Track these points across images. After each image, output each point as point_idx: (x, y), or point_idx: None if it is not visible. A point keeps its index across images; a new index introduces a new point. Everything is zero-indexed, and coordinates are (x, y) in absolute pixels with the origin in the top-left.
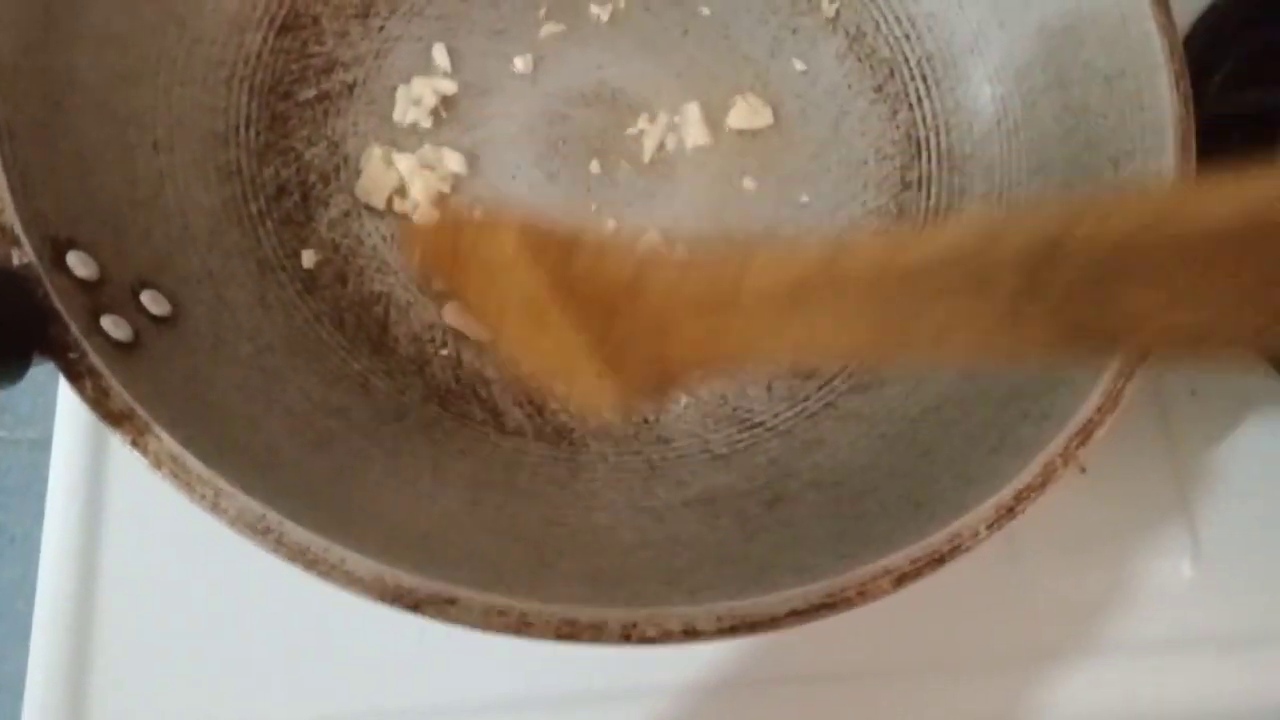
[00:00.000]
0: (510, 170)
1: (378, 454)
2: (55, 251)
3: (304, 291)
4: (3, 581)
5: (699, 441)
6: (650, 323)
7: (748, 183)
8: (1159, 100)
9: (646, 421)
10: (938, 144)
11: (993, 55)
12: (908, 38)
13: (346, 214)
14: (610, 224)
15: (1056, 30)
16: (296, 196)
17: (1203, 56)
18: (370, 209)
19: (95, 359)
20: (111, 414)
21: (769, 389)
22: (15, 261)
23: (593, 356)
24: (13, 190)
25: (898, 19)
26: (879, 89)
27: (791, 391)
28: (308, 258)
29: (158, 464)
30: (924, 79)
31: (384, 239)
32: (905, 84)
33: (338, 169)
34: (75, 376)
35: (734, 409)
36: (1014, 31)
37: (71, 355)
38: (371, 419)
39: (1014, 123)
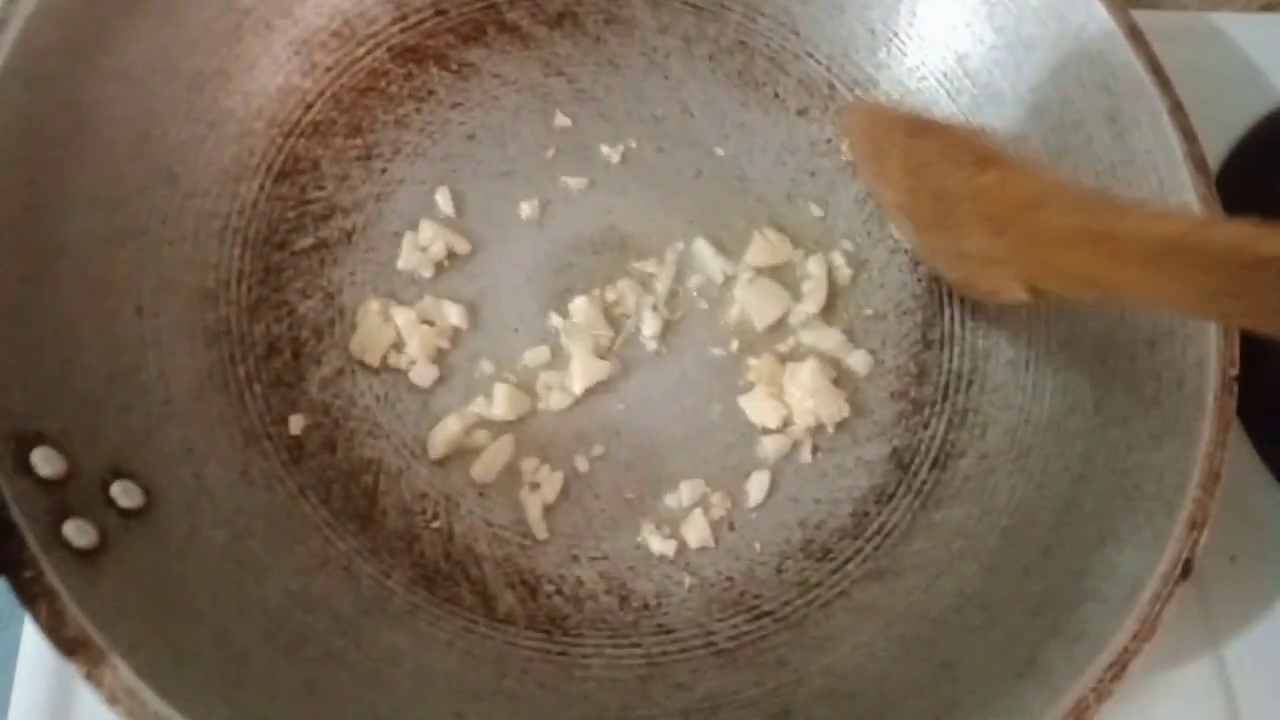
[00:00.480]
0: (513, 323)
1: (356, 657)
2: (19, 450)
3: (290, 462)
4: None
5: (702, 632)
6: (1037, 235)
7: (765, 330)
8: None
9: (647, 607)
10: (962, 300)
11: None
12: None
13: (339, 372)
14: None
15: (1090, 188)
16: (288, 355)
17: (1233, 198)
18: (364, 366)
19: (53, 577)
20: (66, 641)
21: (779, 571)
22: None
23: (981, 264)
24: None
25: None
26: (900, 238)
27: (803, 576)
28: (295, 423)
29: (113, 699)
30: None
31: (377, 399)
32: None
33: (332, 322)
34: (29, 599)
35: (741, 593)
36: None
37: (27, 574)
38: (353, 609)
39: None
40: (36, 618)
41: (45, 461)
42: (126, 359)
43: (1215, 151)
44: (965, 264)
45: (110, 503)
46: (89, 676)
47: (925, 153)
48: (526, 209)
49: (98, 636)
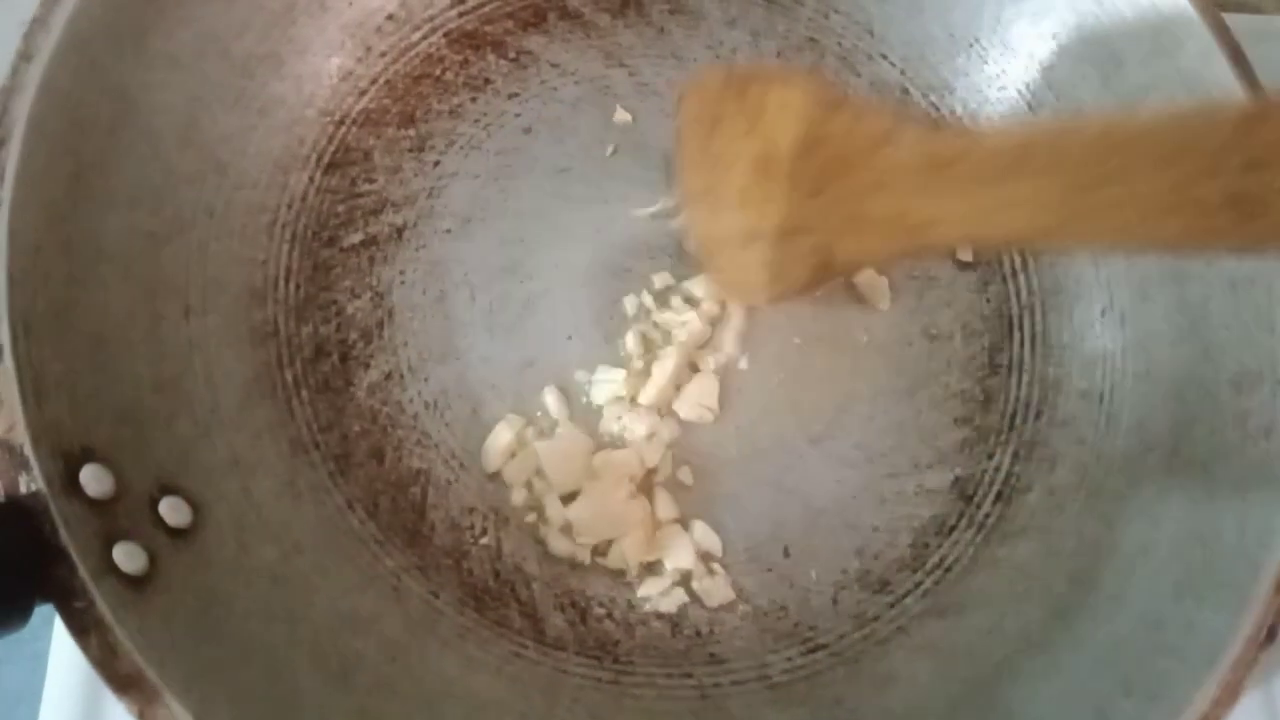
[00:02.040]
0: (566, 329)
1: (407, 685)
2: (68, 469)
3: (337, 473)
4: None
5: (756, 664)
6: (874, 178)
7: (819, 353)
8: None
9: (699, 635)
10: (1032, 325)
11: None
12: None
13: (387, 377)
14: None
15: None
16: (335, 358)
17: None
18: (411, 370)
19: (104, 607)
20: (119, 678)
21: (834, 601)
22: (23, 489)
23: (777, 237)
24: (24, 400)
25: None
26: (971, 255)
27: (860, 608)
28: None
29: None
30: (1021, 253)
31: (426, 405)
32: (999, 253)
33: (381, 324)
34: (80, 630)
35: (795, 624)
36: None
37: (77, 604)
38: (402, 631)
39: (1120, 314)
40: (87, 651)
41: (94, 480)
42: (173, 364)
43: None
44: (755, 246)
45: (159, 522)
46: (141, 716)
47: (770, 103)
48: (582, 208)
49: (151, 673)
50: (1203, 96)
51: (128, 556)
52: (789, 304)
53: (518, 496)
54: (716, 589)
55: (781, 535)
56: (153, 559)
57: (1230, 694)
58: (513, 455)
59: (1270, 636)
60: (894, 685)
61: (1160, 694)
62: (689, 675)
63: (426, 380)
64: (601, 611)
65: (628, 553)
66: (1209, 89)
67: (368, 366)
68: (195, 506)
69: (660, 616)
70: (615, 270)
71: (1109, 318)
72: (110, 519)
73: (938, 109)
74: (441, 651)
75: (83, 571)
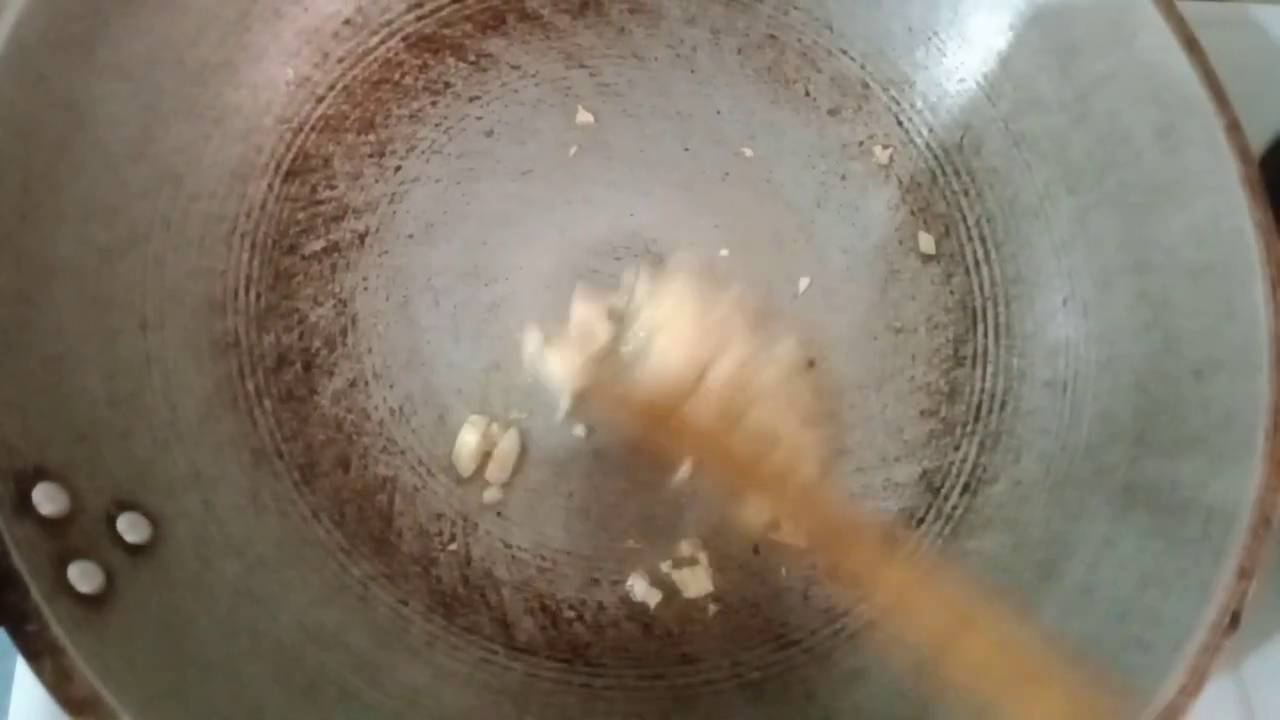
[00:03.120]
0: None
1: (373, 696)
2: (19, 490)
3: (301, 483)
4: None
5: (728, 663)
6: None
7: (781, 349)
8: (1252, 309)
9: (670, 635)
10: (995, 316)
11: (1060, 223)
12: (966, 193)
13: (352, 384)
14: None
15: (1136, 207)
16: (298, 367)
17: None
18: (376, 377)
19: (57, 630)
20: (74, 702)
21: (805, 597)
22: None
23: None
24: None
25: (956, 172)
26: (934, 247)
27: (830, 603)
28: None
29: None
30: (982, 241)
31: (391, 412)
32: (962, 244)
33: (344, 331)
34: (33, 655)
35: (766, 621)
36: (1086, 199)
37: (30, 627)
38: (369, 641)
39: (1083, 304)
40: (40, 675)
41: (47, 499)
42: (129, 380)
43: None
44: None
45: (116, 539)
46: None
47: None
48: (545, 210)
49: (108, 695)
50: (1158, 84)
51: (83, 576)
52: None
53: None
54: (696, 580)
55: (750, 533)
56: (110, 577)
57: (1197, 681)
58: (486, 455)
59: (1234, 622)
60: (864, 680)
61: (1129, 686)
62: (661, 676)
63: (392, 387)
64: (572, 614)
65: None
66: (1165, 78)
67: (332, 374)
68: (155, 522)
69: (632, 618)
70: (581, 272)
71: (1071, 307)
72: (64, 538)
73: (898, 103)
74: (410, 660)
75: (35, 594)
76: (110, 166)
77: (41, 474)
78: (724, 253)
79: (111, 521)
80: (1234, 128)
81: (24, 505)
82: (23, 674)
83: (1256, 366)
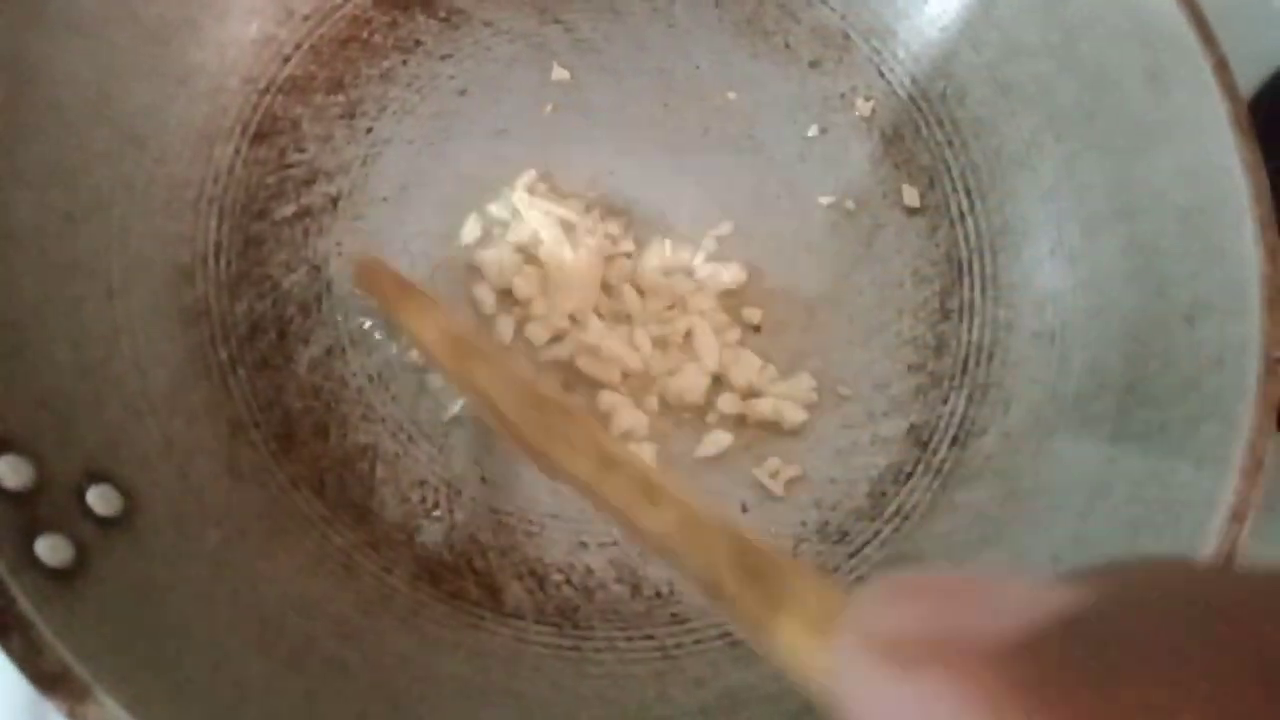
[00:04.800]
0: None
1: (358, 663)
2: None
3: (279, 452)
4: None
5: (718, 622)
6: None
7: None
8: (1241, 251)
9: (659, 595)
10: (982, 268)
11: (1047, 171)
12: (950, 143)
13: (329, 351)
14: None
15: (1123, 152)
16: (273, 334)
17: (1265, 133)
18: (353, 344)
19: (25, 605)
20: (44, 676)
21: (794, 554)
22: None
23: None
24: None
25: (940, 122)
26: (918, 200)
27: (820, 560)
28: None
29: None
30: (967, 192)
31: (370, 379)
32: (946, 196)
33: (319, 297)
34: (0, 630)
35: None
36: (1073, 146)
37: None
38: (354, 610)
39: (1070, 252)
40: (8, 650)
41: (12, 471)
42: (98, 348)
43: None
44: None
45: (87, 512)
46: (71, 714)
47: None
48: (523, 170)
49: (80, 669)
50: (1144, 25)
51: (52, 550)
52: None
53: None
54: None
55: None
56: (81, 550)
57: None
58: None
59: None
60: None
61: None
62: (650, 637)
63: (369, 353)
64: (560, 578)
65: None
66: (1151, 18)
67: (307, 342)
68: (127, 494)
69: (620, 580)
70: None
71: (1058, 256)
72: (31, 511)
73: (880, 53)
74: (397, 628)
75: (0, 568)
76: (69, 129)
77: (6, 446)
78: (706, 209)
79: (81, 494)
80: (1221, 66)
81: None
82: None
83: (1247, 307)
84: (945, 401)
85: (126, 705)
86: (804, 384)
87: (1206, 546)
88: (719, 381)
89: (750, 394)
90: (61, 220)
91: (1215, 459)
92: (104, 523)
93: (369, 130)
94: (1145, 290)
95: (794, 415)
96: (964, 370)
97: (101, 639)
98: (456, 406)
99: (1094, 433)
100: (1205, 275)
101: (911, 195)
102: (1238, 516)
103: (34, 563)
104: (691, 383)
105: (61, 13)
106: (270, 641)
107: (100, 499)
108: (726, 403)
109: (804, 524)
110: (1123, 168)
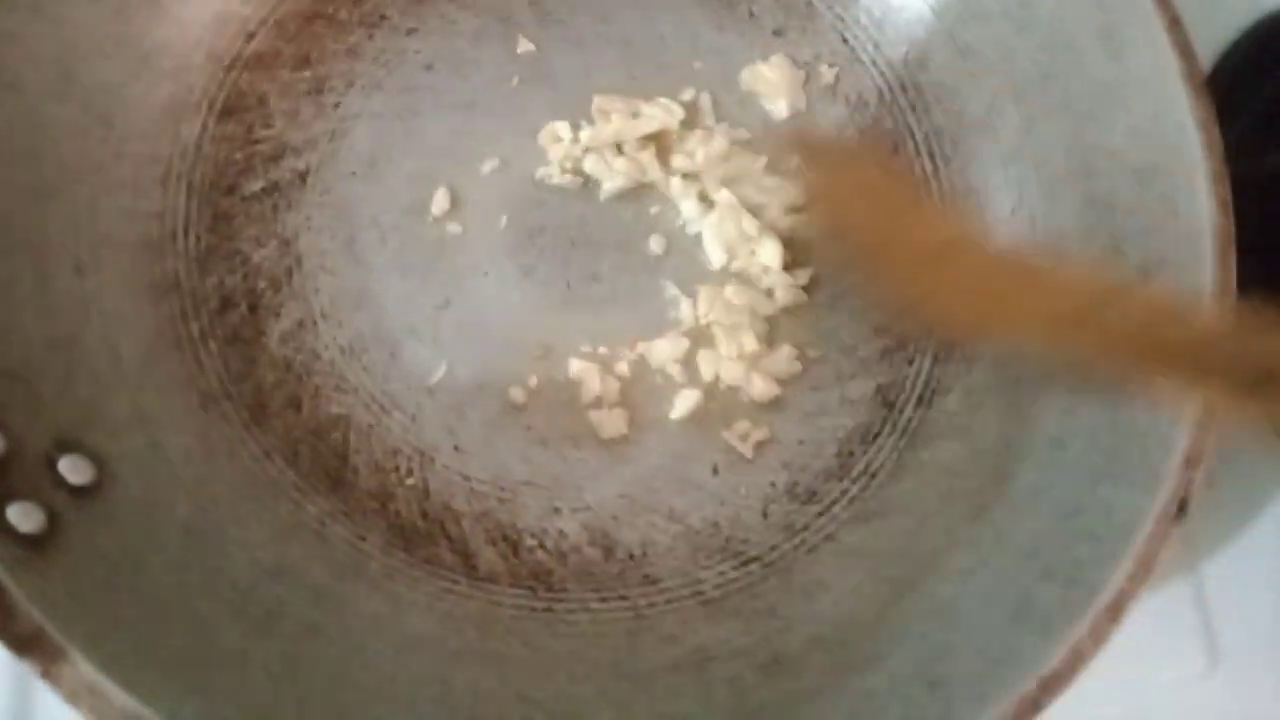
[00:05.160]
0: (482, 266)
1: (334, 628)
2: None
3: (252, 423)
4: None
5: (689, 581)
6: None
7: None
8: (1195, 205)
9: (632, 558)
10: None
11: (1007, 134)
12: (914, 108)
13: (300, 325)
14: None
15: (1081, 113)
16: (244, 308)
17: (1222, 104)
18: (324, 317)
19: None
20: (18, 639)
21: (764, 514)
22: None
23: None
24: None
25: (903, 87)
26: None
27: (789, 519)
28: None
29: (74, 698)
30: (931, 156)
31: (341, 351)
32: (910, 160)
33: (290, 271)
34: None
35: (726, 539)
36: (1032, 108)
37: None
38: (328, 576)
39: (1031, 213)
40: None
41: None
42: (67, 323)
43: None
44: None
45: (58, 481)
46: (46, 675)
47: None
48: (490, 143)
49: (53, 631)
50: None
51: (23, 515)
52: None
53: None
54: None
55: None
56: (53, 518)
57: (1145, 569)
58: None
59: (1182, 509)
60: (825, 592)
61: (1079, 578)
62: (624, 598)
63: (341, 325)
64: (533, 542)
65: None
66: None
67: (278, 315)
68: (99, 463)
69: (593, 543)
70: (528, 205)
71: (1019, 217)
72: (2, 479)
73: (843, 20)
74: (370, 593)
75: None
76: (32, 107)
77: None
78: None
79: (53, 463)
80: (1174, 25)
81: None
82: None
83: (1199, 260)
84: (911, 363)
85: (100, 666)
86: (785, 356)
87: (1163, 492)
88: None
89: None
90: (27, 197)
91: (1170, 405)
92: (75, 491)
93: (336, 105)
94: (1102, 247)
95: (767, 389)
96: (930, 331)
97: (75, 603)
98: (435, 377)
99: (1054, 387)
100: (1159, 230)
101: None
102: (1192, 461)
103: (6, 529)
104: (672, 350)
105: None
106: (244, 607)
107: (71, 468)
108: (705, 362)
109: (773, 485)
110: (1080, 128)
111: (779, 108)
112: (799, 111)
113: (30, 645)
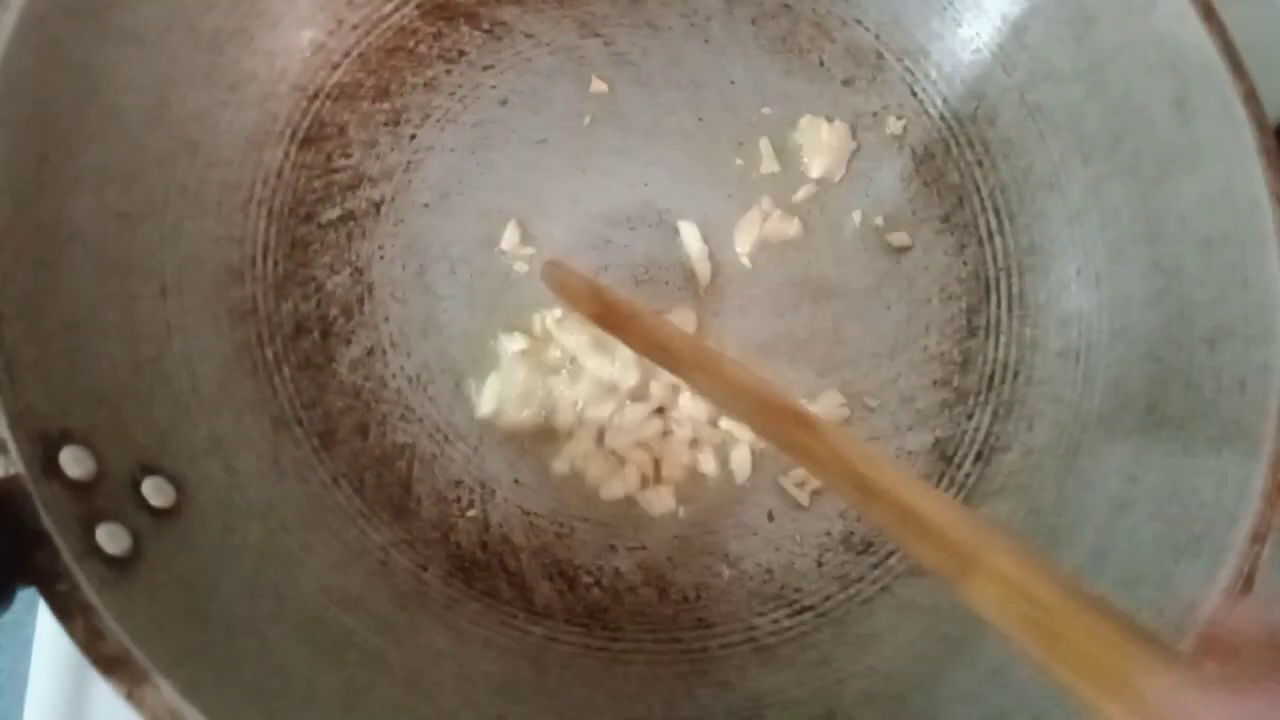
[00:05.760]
0: (546, 302)
1: (396, 658)
2: (47, 453)
3: (321, 449)
4: None
5: (743, 627)
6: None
7: (804, 310)
8: (1267, 278)
9: (686, 600)
10: (1009, 287)
11: (1074, 193)
12: (980, 164)
13: (369, 352)
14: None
15: (1150, 177)
16: (316, 334)
17: None
18: (393, 346)
19: (88, 589)
20: (105, 659)
21: (819, 563)
22: (1, 472)
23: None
24: None
25: (970, 143)
26: (946, 218)
27: (844, 569)
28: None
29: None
30: (996, 212)
31: (409, 380)
32: (975, 215)
33: (361, 299)
34: (65, 614)
35: (781, 586)
36: (1100, 170)
37: (61, 587)
38: (390, 605)
39: (1095, 274)
40: (72, 634)
41: (74, 462)
42: (150, 345)
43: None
44: None
45: (141, 503)
46: (130, 696)
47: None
48: (560, 179)
49: (138, 654)
50: (1174, 53)
51: (110, 538)
52: (763, 270)
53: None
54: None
55: (764, 500)
56: (136, 540)
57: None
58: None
59: (1248, 585)
60: (879, 644)
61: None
62: (677, 640)
63: (409, 355)
64: (589, 580)
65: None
66: (1182, 46)
67: (349, 342)
68: (178, 486)
69: (648, 583)
70: (594, 242)
71: (1084, 278)
72: (91, 501)
73: (912, 73)
74: (431, 624)
75: (65, 554)
76: (127, 133)
77: (67, 437)
78: (739, 222)
79: (136, 485)
80: (1250, 96)
81: (51, 468)
82: (41, 640)
83: (1270, 334)
84: (970, 417)
85: (181, 690)
86: (833, 401)
87: (1227, 567)
88: None
89: None
90: (118, 220)
91: (1237, 480)
92: (157, 513)
93: (412, 137)
94: (1168, 313)
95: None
96: (989, 387)
97: (155, 626)
98: (488, 408)
99: (1116, 451)
100: (1228, 301)
101: (941, 213)
102: (1258, 537)
103: (95, 550)
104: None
105: (126, 24)
106: (311, 632)
107: (154, 490)
108: None
109: (828, 533)
110: (1149, 193)
111: (814, 166)
112: (829, 178)
113: (117, 666)
